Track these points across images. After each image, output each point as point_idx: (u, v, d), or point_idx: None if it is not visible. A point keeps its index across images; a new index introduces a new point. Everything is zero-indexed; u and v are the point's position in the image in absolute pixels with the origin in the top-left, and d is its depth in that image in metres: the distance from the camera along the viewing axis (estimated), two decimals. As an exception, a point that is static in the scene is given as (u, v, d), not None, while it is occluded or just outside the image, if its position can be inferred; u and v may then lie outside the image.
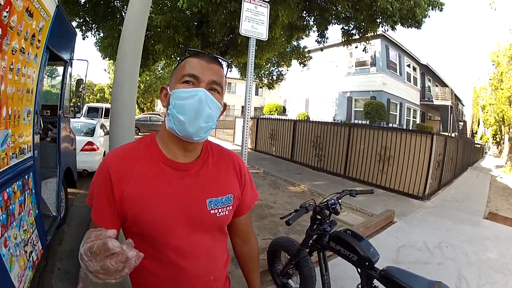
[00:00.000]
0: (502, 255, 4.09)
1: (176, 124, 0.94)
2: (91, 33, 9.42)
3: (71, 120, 5.14)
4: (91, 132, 7.59)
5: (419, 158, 7.26)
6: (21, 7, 2.01)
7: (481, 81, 30.00)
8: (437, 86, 23.19)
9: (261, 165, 10.33)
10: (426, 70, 22.59)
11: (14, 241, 2.07)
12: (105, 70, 31.97)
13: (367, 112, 16.66)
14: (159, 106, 35.69)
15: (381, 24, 8.36)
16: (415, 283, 1.77)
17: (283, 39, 8.98)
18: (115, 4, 8.78)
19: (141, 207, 0.94)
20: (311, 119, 13.80)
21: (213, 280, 1.08)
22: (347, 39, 9.54)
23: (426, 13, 7.59)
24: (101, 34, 9.66)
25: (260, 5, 3.77)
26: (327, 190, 7.17)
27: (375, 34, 9.80)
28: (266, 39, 3.80)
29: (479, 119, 36.43)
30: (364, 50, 10.08)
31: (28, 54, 2.26)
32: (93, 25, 9.19)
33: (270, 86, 13.69)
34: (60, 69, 4.39)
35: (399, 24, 7.90)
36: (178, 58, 9.72)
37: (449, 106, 21.52)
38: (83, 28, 9.04)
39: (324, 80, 21.00)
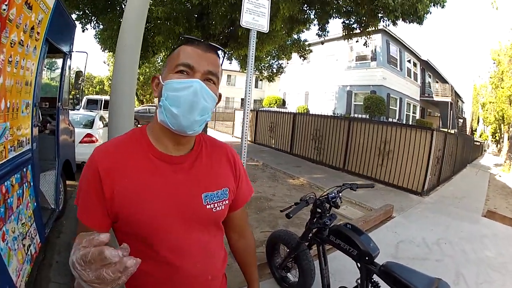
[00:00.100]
0: (500, 254, 4.09)
1: (169, 117, 0.88)
2: (91, 26, 9.31)
3: (70, 112, 5.12)
4: (90, 124, 7.57)
5: (418, 153, 7.24)
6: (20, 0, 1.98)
7: (481, 79, 29.91)
8: (437, 82, 23.20)
9: (260, 158, 10.32)
10: (427, 66, 22.57)
11: (12, 235, 2.05)
12: (104, 63, 31.88)
13: (366, 106, 16.68)
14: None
15: (382, 19, 8.29)
16: (415, 279, 1.76)
17: (284, 32, 8.90)
18: (115, -4, 8.69)
19: (134, 205, 0.89)
20: (310, 112, 13.77)
21: (211, 280, 1.04)
22: (348, 33, 9.45)
23: (428, 9, 7.51)
24: (101, 27, 9.56)
25: (262, -3, 3.73)
26: (326, 183, 7.19)
27: (376, 28, 9.74)
28: (267, 31, 3.77)
29: (478, 117, 36.42)
30: (365, 44, 10.01)
31: (27, 46, 2.23)
32: (92, 18, 9.08)
33: (270, 78, 13.57)
34: (59, 62, 4.34)
35: (401, 20, 7.84)
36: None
37: (449, 103, 21.54)
38: (83, 20, 8.92)
39: (324, 74, 20.96)
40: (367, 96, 17.48)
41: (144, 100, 32.48)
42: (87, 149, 6.41)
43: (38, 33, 2.44)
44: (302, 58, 11.88)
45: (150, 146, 0.96)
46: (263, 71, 13.33)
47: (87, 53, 4.67)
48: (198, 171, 0.99)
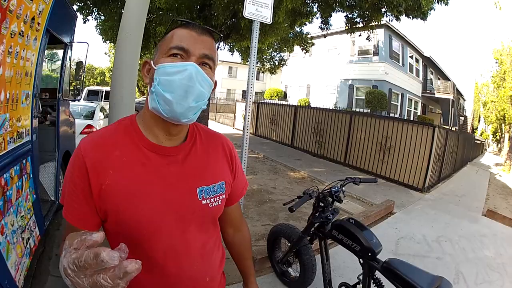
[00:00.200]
0: (499, 254, 4.07)
1: (161, 103, 0.81)
2: (92, 16, 9.27)
3: (71, 103, 5.08)
4: (90, 115, 7.59)
5: (420, 149, 7.21)
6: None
7: (483, 78, 29.75)
8: (439, 79, 23.10)
9: (261, 150, 10.30)
10: (429, 63, 22.45)
11: (11, 228, 2.02)
12: (105, 54, 31.78)
13: (368, 100, 16.68)
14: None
15: (385, 14, 8.25)
16: (418, 277, 1.74)
17: (286, 25, 8.86)
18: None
19: (124, 201, 0.81)
20: (312, 106, 13.71)
21: (209, 281, 0.98)
22: (351, 27, 9.43)
23: (432, 5, 7.50)
24: (102, 17, 9.51)
25: (265, -12, 3.67)
26: (327, 177, 7.19)
27: (379, 23, 9.70)
28: (271, 22, 3.71)
29: (480, 115, 36.32)
30: (368, 38, 9.98)
31: (27, 37, 2.18)
32: (93, 8, 9.04)
33: (272, 71, 13.54)
34: (60, 52, 4.30)
35: (404, 15, 7.81)
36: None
37: (451, 100, 21.45)
38: (84, 11, 8.88)
39: (326, 67, 20.92)
40: (369, 90, 17.47)
41: (145, 91, 32.39)
42: (87, 140, 6.39)
43: (38, 23, 2.40)
44: (304, 51, 11.84)
45: (140, 136, 0.89)
46: (265, 63, 13.32)
47: (88, 44, 4.61)
48: (193, 163, 0.93)
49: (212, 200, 0.94)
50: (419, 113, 21.88)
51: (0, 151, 1.88)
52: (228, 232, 1.19)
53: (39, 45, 2.51)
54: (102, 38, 10.25)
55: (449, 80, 23.02)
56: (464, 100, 34.03)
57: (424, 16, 7.72)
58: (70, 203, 0.85)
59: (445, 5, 7.74)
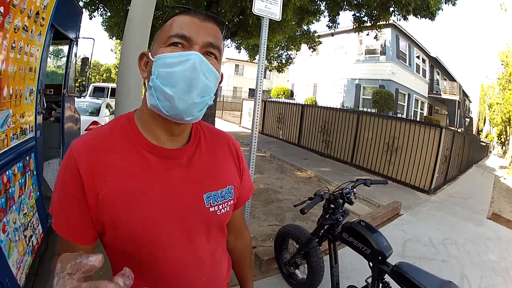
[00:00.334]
0: (503, 258, 4.04)
1: (161, 99, 0.71)
2: (98, 13, 9.30)
3: (77, 99, 5.07)
4: (96, 111, 7.60)
5: (427, 151, 7.13)
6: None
7: (489, 79, 29.58)
8: (445, 80, 22.96)
9: (268, 149, 10.25)
10: (435, 63, 22.33)
11: (13, 226, 1.97)
12: (111, 50, 31.93)
13: (375, 100, 16.65)
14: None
15: (393, 13, 8.22)
16: (428, 282, 1.71)
17: (294, 23, 8.83)
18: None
19: (124, 213, 0.72)
20: (319, 104, 13.65)
21: None
22: (359, 26, 9.39)
23: (440, 5, 7.46)
24: (108, 14, 9.53)
25: (275, -16, 3.62)
26: (333, 177, 7.17)
27: (387, 22, 9.64)
28: (280, 19, 3.66)
29: (485, 117, 36.09)
30: (376, 37, 9.94)
31: (31, 32, 2.14)
32: (99, 4, 9.06)
33: (279, 69, 13.50)
34: (65, 48, 4.27)
35: (412, 15, 7.78)
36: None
37: (457, 101, 21.35)
38: (90, 7, 8.91)
39: (333, 66, 20.85)
40: (376, 90, 17.41)
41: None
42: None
43: (43, 18, 2.36)
44: (311, 49, 11.80)
45: (139, 136, 0.79)
46: (272, 61, 13.31)
47: (94, 40, 4.58)
48: (198, 166, 0.84)
49: (220, 207, 0.85)
50: (425, 114, 21.80)
51: (2, 147, 1.83)
52: (229, 239, 1.07)
53: (43, 41, 2.46)
54: (108, 35, 10.30)
55: (455, 81, 22.88)
56: (470, 102, 33.81)
57: (432, 16, 7.68)
58: (61, 212, 0.74)
59: (453, 5, 7.71)
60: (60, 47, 5.16)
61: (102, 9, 9.25)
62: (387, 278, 1.97)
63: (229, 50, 14.66)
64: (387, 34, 17.23)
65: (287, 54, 13.44)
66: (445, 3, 7.60)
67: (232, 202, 0.90)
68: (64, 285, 0.45)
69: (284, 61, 13.32)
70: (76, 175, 0.71)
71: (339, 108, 10.20)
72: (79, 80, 4.91)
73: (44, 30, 2.45)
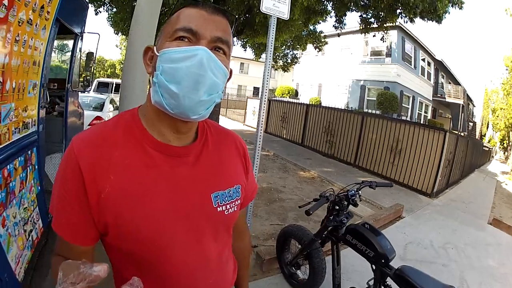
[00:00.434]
0: (503, 264, 4.03)
1: (166, 97, 0.68)
2: (104, 8, 9.30)
3: (81, 94, 5.06)
4: (100, 106, 7.61)
5: (430, 154, 7.12)
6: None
7: (493, 84, 29.45)
8: (450, 83, 22.89)
9: (271, 148, 10.25)
10: (440, 66, 22.22)
11: (13, 220, 1.94)
12: (117, 46, 31.97)
13: (380, 102, 16.62)
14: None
15: (400, 15, 8.21)
16: (430, 286, 1.71)
17: (301, 22, 8.84)
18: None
19: (128, 212, 0.69)
20: (323, 105, 13.66)
21: None
22: (365, 27, 9.38)
23: (447, 8, 7.49)
24: (114, 9, 9.55)
25: (283, -17, 3.61)
26: (336, 178, 7.17)
27: (394, 24, 9.62)
28: (288, 18, 3.65)
29: (488, 122, 35.95)
30: (382, 39, 9.94)
31: (36, 25, 2.11)
32: (105, 0, 9.08)
33: (285, 68, 13.50)
34: (70, 43, 4.26)
35: (419, 17, 7.77)
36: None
37: (461, 105, 21.30)
38: (96, 3, 8.91)
39: (338, 67, 20.79)
40: (381, 92, 17.35)
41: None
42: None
43: (48, 12, 2.34)
44: (317, 49, 11.80)
45: (144, 133, 0.75)
46: (278, 60, 13.31)
47: (99, 34, 4.57)
48: (205, 165, 0.81)
49: (228, 206, 0.82)
50: (429, 117, 21.69)
51: (4, 141, 1.81)
52: None
53: (48, 35, 2.43)
54: (114, 30, 10.30)
55: (459, 85, 22.81)
56: (474, 106, 33.70)
57: (439, 19, 7.69)
58: (61, 212, 0.71)
59: (460, 9, 7.70)
60: (65, 41, 5.16)
61: (108, 5, 9.26)
62: (389, 281, 1.96)
63: (235, 48, 14.48)
64: (393, 36, 17.13)
65: (293, 54, 13.43)
66: (452, 6, 7.59)
67: (239, 201, 0.87)
68: None
69: (289, 60, 13.31)
70: (77, 172, 0.68)
71: (344, 109, 10.16)
72: (83, 75, 4.91)
73: (49, 24, 2.43)
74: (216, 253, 0.83)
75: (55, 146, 3.71)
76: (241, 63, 32.89)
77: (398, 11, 8.00)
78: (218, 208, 0.80)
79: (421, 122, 17.31)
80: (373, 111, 14.99)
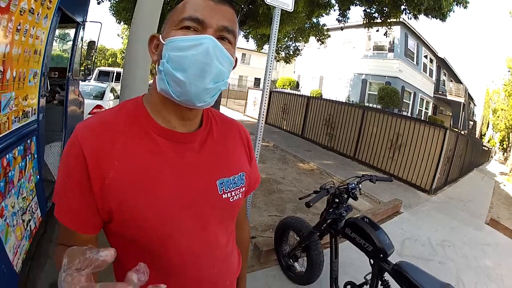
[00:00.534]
0: (499, 265, 4.04)
1: (172, 84, 0.68)
2: (106, -3, 9.25)
3: (81, 83, 5.04)
4: (100, 95, 7.59)
5: (430, 150, 7.11)
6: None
7: (495, 85, 29.41)
8: (451, 81, 22.82)
9: (271, 139, 10.23)
10: (442, 64, 22.13)
11: (12, 210, 1.92)
12: (118, 35, 31.88)
13: (381, 96, 16.63)
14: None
15: (404, 11, 8.17)
16: (427, 283, 1.71)
17: (304, 15, 8.78)
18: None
19: (133, 198, 0.68)
20: (324, 97, 13.61)
21: (229, 285, 0.88)
22: (369, 22, 9.34)
23: (452, 7, 7.46)
24: (116, -1, 9.49)
25: (288, -26, 3.57)
26: (336, 171, 7.17)
27: (398, 20, 9.57)
28: (292, 10, 3.62)
29: (489, 122, 35.92)
30: (385, 34, 9.92)
31: (37, 14, 2.08)
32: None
33: (287, 60, 13.48)
34: (72, 31, 4.21)
35: (423, 14, 7.74)
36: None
37: (462, 103, 21.26)
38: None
39: (340, 60, 20.75)
40: (382, 86, 17.34)
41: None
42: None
43: (50, 1, 2.30)
44: (319, 42, 11.75)
45: (149, 119, 0.75)
46: (280, 51, 13.29)
47: (101, 23, 4.54)
48: (211, 152, 0.81)
49: (233, 193, 0.82)
50: (430, 114, 21.69)
51: (3, 130, 1.78)
52: None
53: (50, 23, 2.40)
54: (116, 20, 10.25)
55: (461, 83, 22.73)
56: (475, 105, 33.62)
57: (443, 17, 7.67)
58: (64, 199, 0.70)
59: (464, 8, 7.68)
60: (66, 30, 5.11)
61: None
62: (386, 276, 1.96)
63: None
64: (396, 31, 17.04)
65: (295, 46, 13.41)
66: (457, 5, 7.56)
67: (244, 189, 0.87)
68: (72, 283, 0.42)
69: (291, 52, 13.29)
70: (80, 159, 0.67)
71: (345, 102, 10.11)
72: (84, 64, 4.88)
73: (51, 13, 2.39)
74: (221, 242, 0.82)
75: (55, 135, 3.66)
76: (242, 53, 32.73)
77: (403, 7, 7.98)
78: (223, 195, 0.80)
79: (422, 119, 17.32)
80: (374, 106, 14.96)
